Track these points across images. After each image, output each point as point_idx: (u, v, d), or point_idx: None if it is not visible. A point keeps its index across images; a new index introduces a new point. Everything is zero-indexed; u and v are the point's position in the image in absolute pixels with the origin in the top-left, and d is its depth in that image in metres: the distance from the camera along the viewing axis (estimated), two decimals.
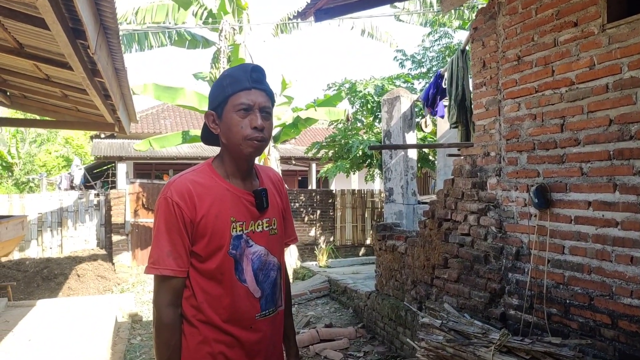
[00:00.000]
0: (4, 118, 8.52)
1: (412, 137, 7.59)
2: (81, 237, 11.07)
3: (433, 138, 9.04)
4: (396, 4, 9.98)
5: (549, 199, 2.85)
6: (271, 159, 9.42)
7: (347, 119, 10.74)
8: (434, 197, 4.64)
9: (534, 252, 2.96)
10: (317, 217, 12.20)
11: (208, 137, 1.54)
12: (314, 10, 3.97)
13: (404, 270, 4.54)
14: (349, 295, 6.26)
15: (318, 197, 12.38)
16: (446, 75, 5.03)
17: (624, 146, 2.42)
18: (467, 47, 4.51)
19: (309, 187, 16.86)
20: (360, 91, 10.10)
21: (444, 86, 5.28)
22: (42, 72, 4.22)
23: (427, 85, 6.36)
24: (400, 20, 10.87)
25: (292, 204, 11.80)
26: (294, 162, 15.87)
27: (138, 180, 11.18)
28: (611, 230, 2.49)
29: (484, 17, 3.43)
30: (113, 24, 2.76)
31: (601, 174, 2.56)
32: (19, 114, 10.56)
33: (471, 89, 3.94)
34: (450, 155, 5.26)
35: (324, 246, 11.28)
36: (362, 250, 12.24)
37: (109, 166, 16.75)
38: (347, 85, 10.62)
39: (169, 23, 9.96)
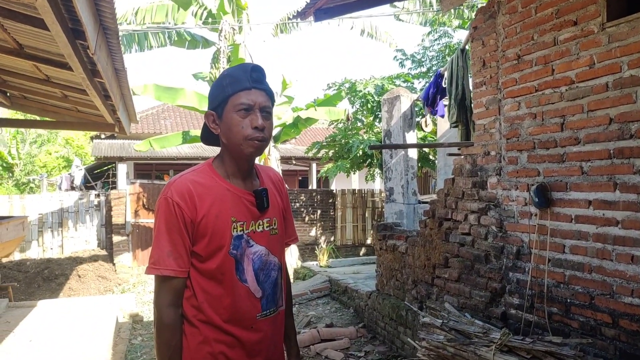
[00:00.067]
0: (4, 119, 8.53)
1: (412, 137, 7.58)
2: (82, 238, 11.07)
3: (433, 137, 9.04)
4: (396, 3, 10.00)
5: (549, 198, 2.84)
6: (271, 158, 9.42)
7: (347, 119, 10.74)
8: (434, 196, 4.64)
9: (534, 252, 2.96)
10: (318, 217, 12.20)
11: (208, 137, 1.54)
12: (314, 9, 3.97)
13: (404, 269, 4.54)
14: (350, 295, 6.26)
15: (318, 197, 12.38)
16: (446, 74, 5.03)
17: (624, 145, 2.42)
18: (467, 47, 4.51)
19: (310, 187, 16.86)
20: (360, 91, 10.10)
21: (444, 85, 5.27)
22: (42, 73, 4.22)
23: (427, 84, 6.36)
24: (400, 20, 10.87)
25: (293, 204, 11.80)
26: (294, 162, 15.86)
27: (138, 181, 11.18)
28: (612, 229, 2.49)
29: (483, 16, 3.43)
30: (113, 24, 2.76)
31: (601, 172, 2.56)
32: (19, 115, 10.57)
33: (471, 88, 3.93)
34: (450, 154, 5.27)
35: (324, 246, 11.28)
36: (363, 250, 12.24)
37: (109, 167, 16.76)
38: (347, 85, 10.62)
39: (169, 23, 9.96)
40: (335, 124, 11.25)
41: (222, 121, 1.44)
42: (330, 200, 12.35)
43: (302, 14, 4.08)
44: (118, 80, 3.92)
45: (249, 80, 1.42)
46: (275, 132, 9.74)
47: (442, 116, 6.26)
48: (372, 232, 10.78)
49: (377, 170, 10.54)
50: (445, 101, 5.50)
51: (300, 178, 21.29)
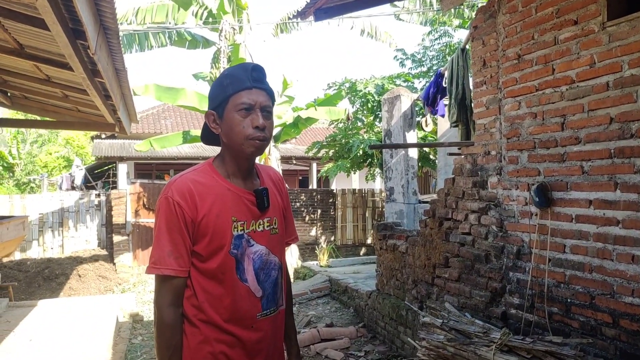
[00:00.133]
0: (4, 119, 8.53)
1: (412, 136, 7.58)
2: (82, 238, 11.08)
3: (433, 137, 9.03)
4: (396, 3, 9.99)
5: (549, 197, 2.84)
6: (272, 158, 9.42)
7: (348, 119, 10.73)
8: (434, 196, 4.64)
9: (534, 251, 2.96)
10: (318, 216, 12.20)
11: (208, 136, 1.54)
12: (314, 9, 3.97)
13: (404, 269, 4.54)
14: (350, 295, 6.26)
15: (319, 196, 12.38)
16: (446, 74, 5.03)
17: (625, 144, 2.42)
18: (467, 46, 4.50)
19: (310, 187, 16.85)
20: (361, 90, 10.10)
21: (444, 85, 5.27)
22: (42, 73, 4.22)
23: (428, 84, 6.35)
24: (400, 20, 10.86)
25: (293, 204, 11.80)
26: (294, 161, 15.87)
27: (139, 181, 11.18)
28: (612, 228, 2.49)
29: (483, 15, 3.43)
30: (113, 24, 2.75)
31: (602, 172, 2.55)
32: (19, 115, 10.57)
33: (471, 87, 3.93)
34: (450, 154, 5.27)
35: (324, 246, 11.28)
36: (363, 250, 12.24)
37: (109, 166, 16.76)
38: (347, 85, 10.62)
39: (169, 23, 9.96)
40: (336, 123, 11.24)
41: (222, 121, 1.44)
42: (331, 200, 12.35)
43: (302, 14, 4.08)
44: (118, 80, 3.92)
45: (249, 79, 1.42)
46: (275, 131, 9.74)
47: (443, 116, 6.26)
48: (372, 231, 10.78)
49: (378, 170, 10.54)
50: (446, 101, 5.50)
51: (300, 178, 21.29)
